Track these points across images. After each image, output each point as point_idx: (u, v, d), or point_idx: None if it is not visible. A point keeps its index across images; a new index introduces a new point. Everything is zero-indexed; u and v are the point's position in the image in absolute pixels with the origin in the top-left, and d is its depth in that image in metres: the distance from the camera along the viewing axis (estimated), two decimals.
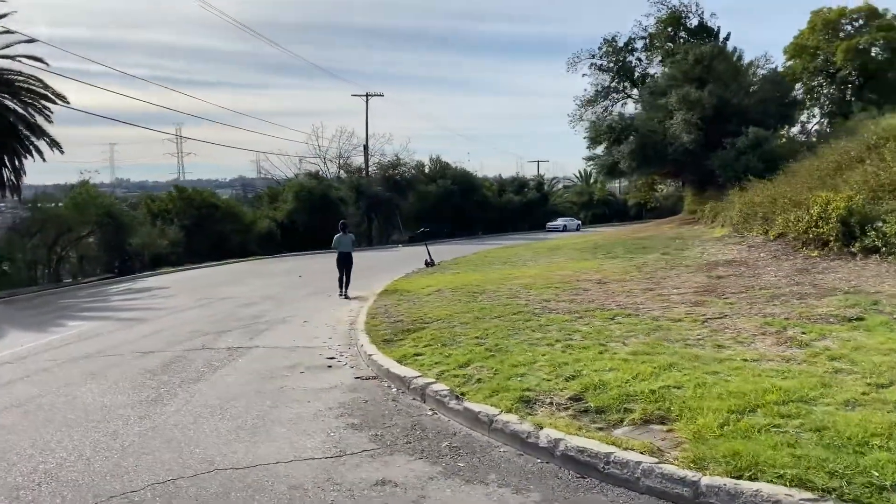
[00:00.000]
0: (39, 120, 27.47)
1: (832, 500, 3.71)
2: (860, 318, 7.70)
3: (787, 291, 9.69)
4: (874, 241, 10.97)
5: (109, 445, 5.92)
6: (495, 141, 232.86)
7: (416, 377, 7.04)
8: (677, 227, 27.89)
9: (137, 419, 6.72)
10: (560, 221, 61.81)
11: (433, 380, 6.83)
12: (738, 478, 4.04)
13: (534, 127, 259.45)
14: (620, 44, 46.64)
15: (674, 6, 45.15)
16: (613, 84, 47.35)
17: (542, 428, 5.21)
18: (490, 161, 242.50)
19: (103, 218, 27.87)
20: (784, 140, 31.99)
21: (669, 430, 4.94)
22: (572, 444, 4.85)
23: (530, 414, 5.56)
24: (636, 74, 47.27)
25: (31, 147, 27.58)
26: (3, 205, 29.82)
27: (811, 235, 12.41)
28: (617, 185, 77.43)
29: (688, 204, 36.94)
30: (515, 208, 66.44)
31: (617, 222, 70.51)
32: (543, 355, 7.22)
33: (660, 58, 45.91)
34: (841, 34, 46.23)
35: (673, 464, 4.36)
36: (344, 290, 16.42)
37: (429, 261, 22.60)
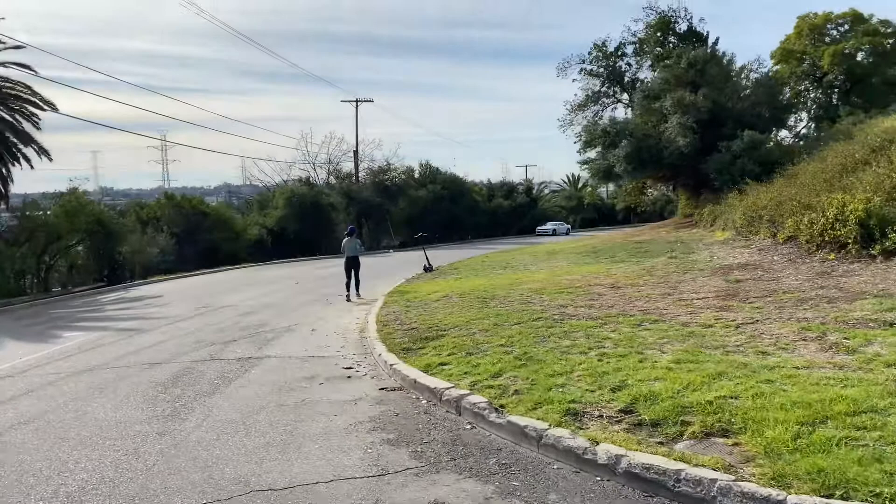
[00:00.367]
0: (27, 127, 26.97)
1: None
2: None
3: (814, 295, 9.49)
4: (895, 243, 10.81)
5: (132, 465, 5.58)
6: (480, 146, 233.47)
7: (447, 388, 6.75)
8: (674, 231, 27.77)
9: (156, 436, 6.38)
10: (550, 226, 61.86)
11: (467, 391, 6.54)
12: (829, 497, 3.78)
13: (518, 132, 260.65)
14: (611, 49, 46.62)
15: (663, 11, 45.28)
16: (604, 89, 47.26)
17: (598, 443, 4.93)
18: (476, 166, 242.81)
19: (93, 226, 27.27)
20: (773, 144, 32.03)
21: (735, 444, 4.68)
22: (636, 460, 4.57)
23: (581, 428, 5.28)
24: (626, 79, 47.25)
25: (18, 154, 27.03)
26: None
27: (827, 238, 12.23)
28: (604, 189, 77.68)
29: (682, 207, 36.94)
30: (505, 213, 66.32)
31: (605, 226, 70.60)
32: (580, 364, 6.94)
33: (650, 62, 45.91)
34: (827, 39, 46.64)
35: (751, 481, 4.09)
36: (351, 292, 17.05)
37: (427, 266, 22.32)
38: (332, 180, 51.96)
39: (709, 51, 33.24)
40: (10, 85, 26.59)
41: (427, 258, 22.82)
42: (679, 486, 4.28)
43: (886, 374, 5.64)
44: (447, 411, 6.50)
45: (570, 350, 7.70)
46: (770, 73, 40.99)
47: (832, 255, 11.91)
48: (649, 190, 49.92)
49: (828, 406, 4.95)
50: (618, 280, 13.41)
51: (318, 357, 9.72)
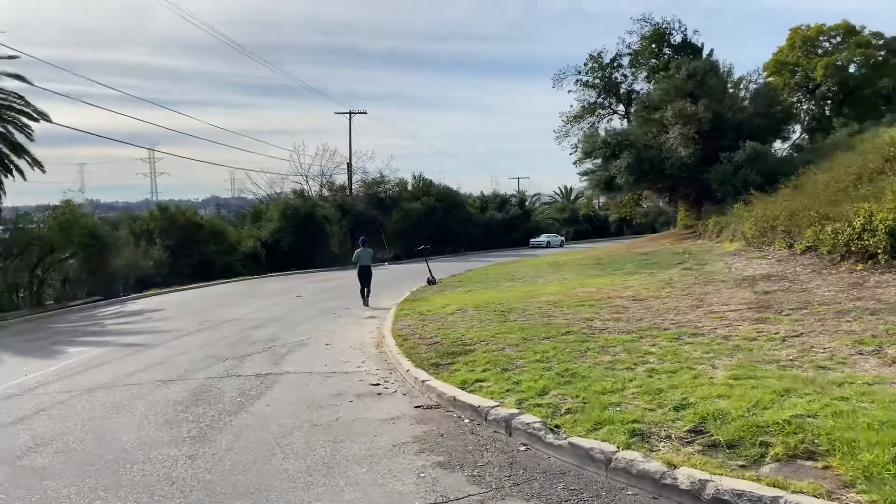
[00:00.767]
0: (20, 138, 26.48)
1: None
2: None
3: (853, 307, 9.24)
4: None
5: (169, 493, 5.20)
6: (470, 158, 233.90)
7: (493, 406, 6.41)
8: (677, 242, 27.58)
9: (187, 460, 6.00)
10: (543, 238, 61.60)
11: (516, 410, 6.20)
12: None
13: (508, 144, 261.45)
14: (606, 60, 46.71)
15: (657, 23, 45.45)
16: (599, 100, 47.33)
17: (675, 467, 4.61)
18: (466, 178, 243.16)
19: (87, 239, 26.73)
20: (777, 154, 32.09)
21: (826, 468, 4.37)
22: (725, 485, 4.25)
23: (651, 450, 4.96)
24: (622, 91, 47.33)
25: (11, 166, 26.52)
26: None
27: (853, 248, 12.02)
28: (596, 201, 77.65)
29: (681, 219, 36.86)
30: (498, 225, 66.13)
31: (599, 238, 70.58)
32: (630, 381, 6.62)
33: (645, 74, 46.04)
34: (819, 51, 46.95)
35: None
36: (365, 299, 18.10)
37: (431, 279, 21.98)
38: (325, 192, 51.52)
39: (710, 61, 33.23)
40: (4, 96, 26.12)
41: (430, 271, 22.50)
42: None
43: None
44: (495, 431, 6.15)
45: (613, 366, 7.39)
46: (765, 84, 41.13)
47: (860, 266, 11.69)
48: (644, 202, 49.85)
49: None
50: (637, 292, 13.13)
51: (342, 373, 9.35)
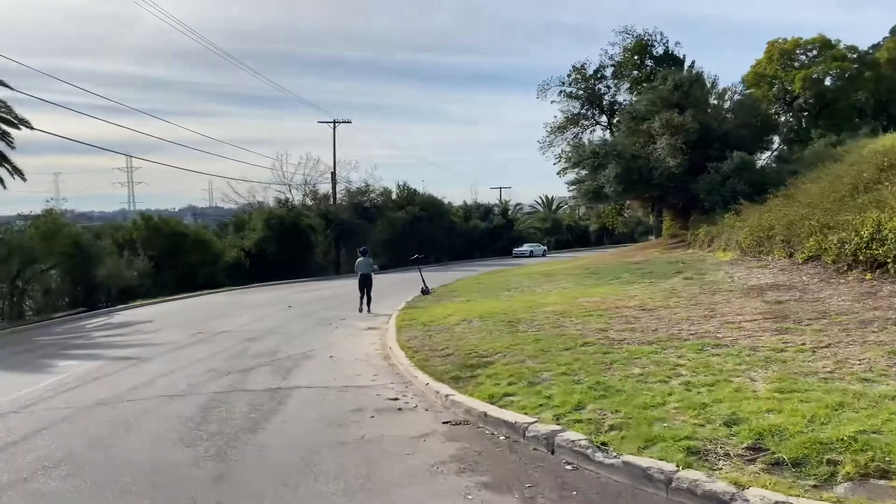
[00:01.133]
0: (1, 146, 25.79)
1: None
2: None
3: (873, 317, 9.15)
4: None
5: None
6: (451, 167, 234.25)
7: (530, 423, 6.17)
8: (667, 251, 27.61)
9: (212, 482, 5.69)
10: (526, 247, 61.75)
11: (556, 426, 5.97)
12: None
13: (487, 154, 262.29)
14: (590, 71, 46.99)
15: (639, 35, 45.85)
16: (583, 111, 47.56)
17: (744, 487, 4.41)
18: (447, 188, 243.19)
19: (70, 249, 26.08)
20: (764, 164, 32.33)
21: None
22: None
23: (712, 469, 4.76)
24: (605, 102, 47.63)
25: None
26: None
27: (861, 257, 12.00)
28: (577, 211, 77.95)
29: (667, 228, 36.97)
30: (481, 234, 66.18)
31: (581, 248, 70.82)
32: (669, 395, 6.43)
33: (628, 85, 46.42)
34: (796, 64, 47.65)
35: None
36: (365, 307, 18.50)
37: (424, 288, 21.73)
38: (309, 202, 50.99)
39: (696, 72, 33.50)
40: None
41: (424, 280, 22.25)
42: None
43: None
44: (535, 449, 5.91)
45: (645, 378, 7.19)
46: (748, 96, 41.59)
47: (868, 275, 11.66)
48: (626, 212, 50.08)
49: None
50: (643, 302, 12.99)
51: (355, 387, 9.06)
